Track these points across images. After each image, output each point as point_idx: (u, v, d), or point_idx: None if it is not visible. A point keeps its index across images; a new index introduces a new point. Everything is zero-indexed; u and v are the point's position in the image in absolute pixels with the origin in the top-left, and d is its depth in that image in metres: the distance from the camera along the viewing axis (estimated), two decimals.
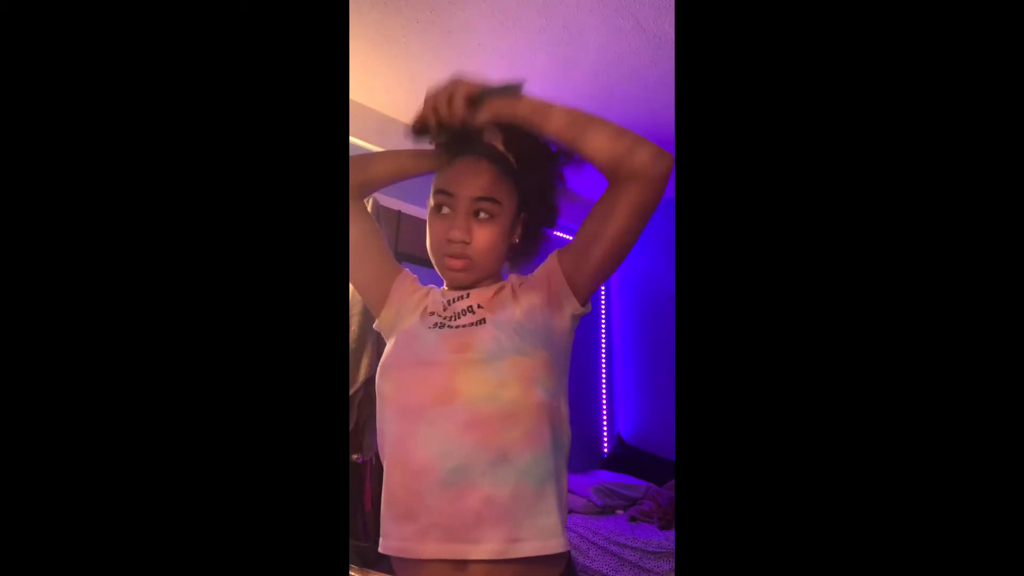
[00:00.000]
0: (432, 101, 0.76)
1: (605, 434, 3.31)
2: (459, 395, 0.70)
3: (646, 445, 3.12)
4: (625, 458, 3.07)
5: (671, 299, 3.07)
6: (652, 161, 0.71)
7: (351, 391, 1.92)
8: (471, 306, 0.79)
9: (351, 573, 0.66)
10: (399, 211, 2.37)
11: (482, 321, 0.76)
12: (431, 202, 0.81)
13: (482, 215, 0.78)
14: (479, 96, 0.75)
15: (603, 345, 3.38)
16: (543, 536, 0.69)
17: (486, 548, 0.67)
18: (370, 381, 1.95)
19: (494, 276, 0.84)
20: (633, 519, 2.40)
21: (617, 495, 2.59)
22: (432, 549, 0.68)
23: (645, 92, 2.17)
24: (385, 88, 2.14)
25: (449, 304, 0.81)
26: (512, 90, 0.76)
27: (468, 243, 0.78)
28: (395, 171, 0.89)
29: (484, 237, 0.78)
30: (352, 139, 2.18)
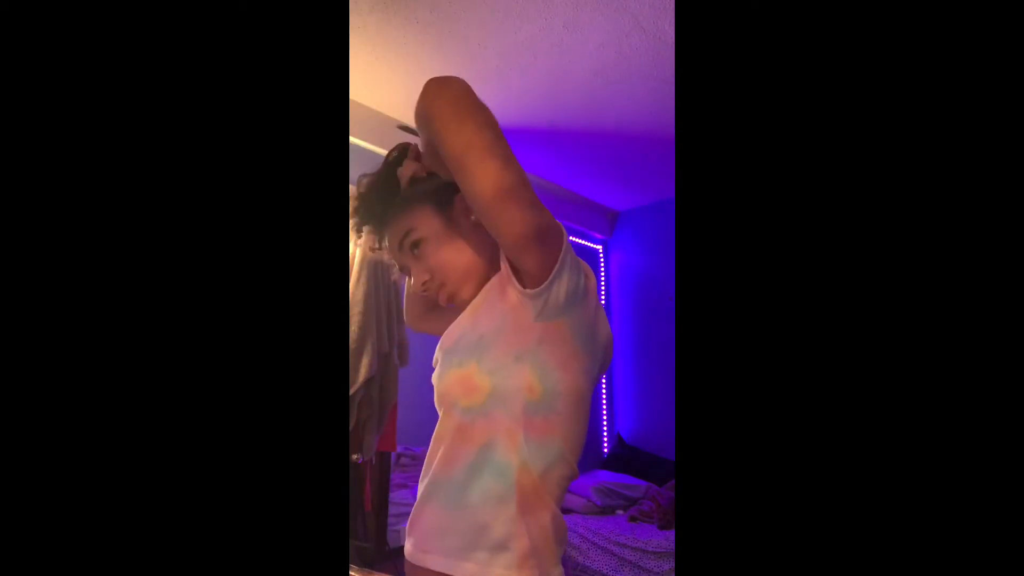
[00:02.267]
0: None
1: (605, 434, 3.32)
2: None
3: (646, 445, 3.13)
4: (625, 458, 3.07)
5: (671, 299, 3.07)
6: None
7: (351, 391, 1.92)
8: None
9: (351, 573, 0.67)
10: None
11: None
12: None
13: (415, 251, 0.78)
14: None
15: None
16: (445, 555, 0.71)
17: (409, 550, 0.76)
18: (370, 381, 1.95)
19: (481, 268, 0.79)
20: (633, 519, 2.40)
21: (617, 495, 2.59)
22: (408, 552, 0.79)
23: (645, 92, 2.17)
24: (385, 88, 2.14)
25: None
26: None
27: (430, 278, 0.78)
28: None
29: (431, 261, 0.78)
30: (352, 139, 2.18)
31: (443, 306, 0.85)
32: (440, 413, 0.76)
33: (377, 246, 0.86)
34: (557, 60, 2.00)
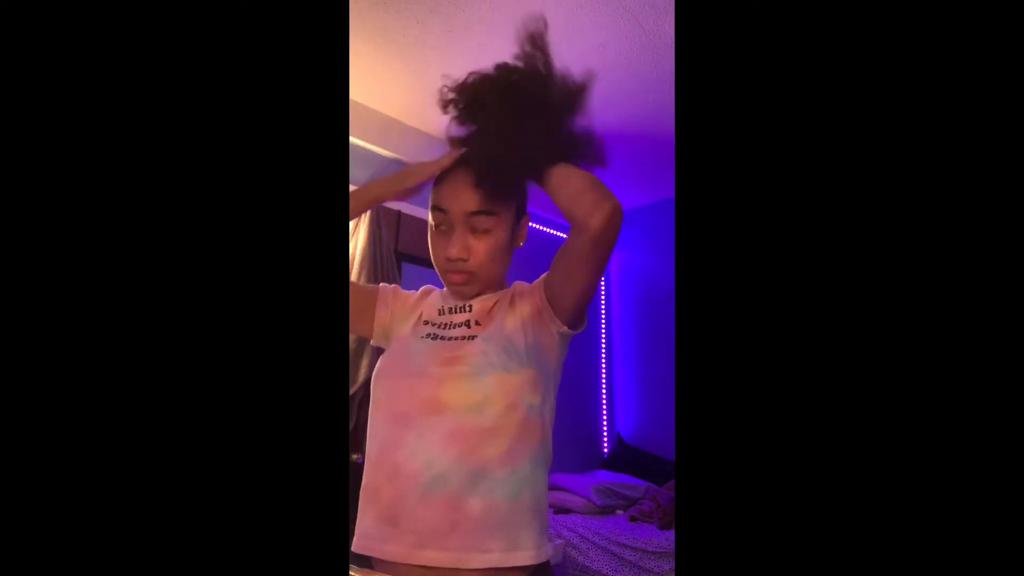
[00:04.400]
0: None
1: (605, 434, 3.31)
2: (446, 407, 0.72)
3: (646, 445, 3.12)
4: (625, 458, 3.07)
5: (671, 299, 3.07)
6: (600, 221, 0.70)
7: (351, 391, 1.93)
8: (468, 320, 0.81)
9: (351, 573, 0.66)
10: (399, 211, 2.37)
11: (474, 336, 0.78)
12: (429, 219, 0.82)
13: (477, 232, 0.79)
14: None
15: (603, 345, 3.38)
16: (513, 547, 0.70)
17: (454, 556, 0.69)
18: (370, 381, 1.95)
19: (498, 284, 0.85)
20: (633, 519, 2.40)
21: (617, 495, 2.59)
22: (408, 554, 0.70)
23: (645, 92, 2.17)
24: (385, 88, 2.14)
25: (445, 312, 0.83)
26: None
27: (466, 259, 0.79)
28: (367, 203, 0.89)
29: (482, 250, 0.79)
30: (352, 139, 2.18)
31: (455, 288, 0.83)
32: (494, 403, 0.72)
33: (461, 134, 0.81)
34: (557, 60, 2.00)
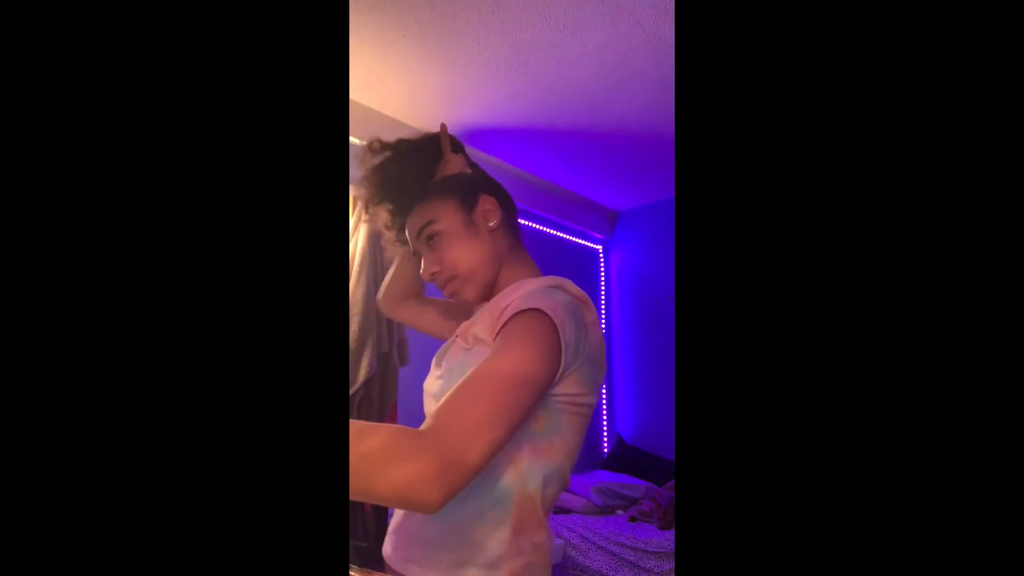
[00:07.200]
0: None
1: (605, 434, 3.31)
2: None
3: (646, 445, 3.13)
4: (625, 458, 3.07)
5: (671, 299, 3.07)
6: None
7: (351, 391, 1.92)
8: (455, 337, 0.82)
9: (351, 573, 0.67)
10: None
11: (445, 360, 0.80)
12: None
13: (431, 242, 0.81)
14: None
15: None
16: (435, 568, 0.69)
17: (387, 547, 0.77)
18: (370, 381, 1.95)
19: (492, 280, 0.82)
20: (633, 519, 2.40)
21: (617, 495, 2.59)
22: (387, 555, 0.78)
23: (645, 92, 2.17)
24: (385, 88, 2.14)
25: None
26: None
27: (440, 270, 0.81)
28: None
29: (446, 255, 0.80)
30: (352, 139, 2.18)
31: (437, 298, 0.88)
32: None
33: (390, 224, 0.88)
34: (557, 60, 2.00)
